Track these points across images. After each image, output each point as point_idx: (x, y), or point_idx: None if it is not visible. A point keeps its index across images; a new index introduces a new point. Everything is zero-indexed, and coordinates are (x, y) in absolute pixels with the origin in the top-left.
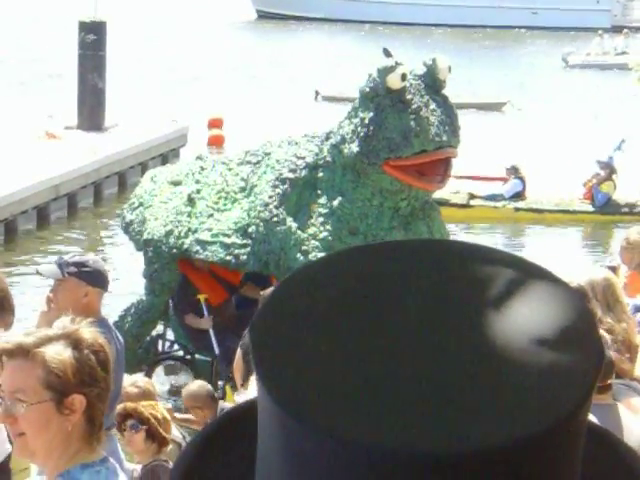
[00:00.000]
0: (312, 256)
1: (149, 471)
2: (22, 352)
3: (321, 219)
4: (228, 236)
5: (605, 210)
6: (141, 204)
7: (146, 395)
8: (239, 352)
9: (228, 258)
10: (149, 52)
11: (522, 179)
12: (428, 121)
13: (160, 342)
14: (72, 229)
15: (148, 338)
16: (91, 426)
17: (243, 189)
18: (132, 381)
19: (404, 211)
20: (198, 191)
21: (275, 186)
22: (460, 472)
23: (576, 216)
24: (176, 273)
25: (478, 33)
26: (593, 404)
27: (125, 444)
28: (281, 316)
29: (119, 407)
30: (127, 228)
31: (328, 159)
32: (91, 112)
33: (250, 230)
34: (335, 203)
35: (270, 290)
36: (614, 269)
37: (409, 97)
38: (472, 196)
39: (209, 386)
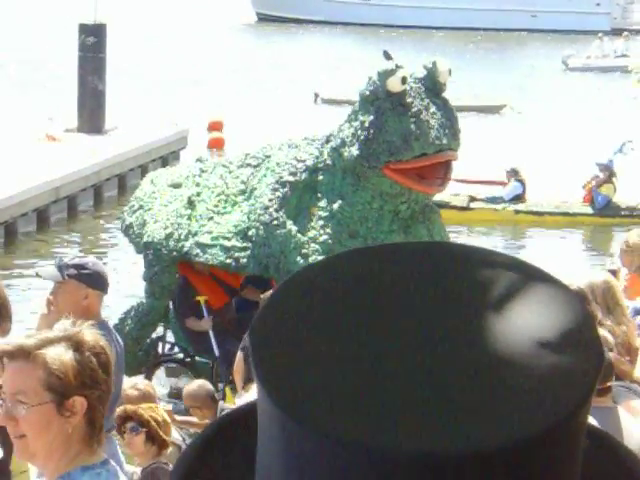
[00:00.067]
0: (312, 259)
1: (149, 474)
2: (23, 354)
3: (321, 222)
4: (228, 239)
5: (605, 213)
6: (141, 207)
7: (146, 398)
8: (239, 355)
9: (228, 261)
10: (149, 54)
11: (522, 182)
12: (428, 124)
13: (160, 344)
14: (72, 232)
15: (148, 340)
16: (92, 428)
17: (243, 192)
18: (132, 384)
19: (404, 214)
20: (198, 194)
21: (275, 189)
22: (460, 473)
23: (576, 219)
24: (176, 276)
25: (478, 36)
26: (593, 407)
27: (125, 446)
28: (281, 318)
29: (119, 409)
30: (127, 231)
31: (328, 162)
32: (91, 115)
33: (250, 233)
34: (335, 206)
35: (270, 292)
36: (615, 272)
37: (409, 100)
38: (472, 198)
39: (209, 386)
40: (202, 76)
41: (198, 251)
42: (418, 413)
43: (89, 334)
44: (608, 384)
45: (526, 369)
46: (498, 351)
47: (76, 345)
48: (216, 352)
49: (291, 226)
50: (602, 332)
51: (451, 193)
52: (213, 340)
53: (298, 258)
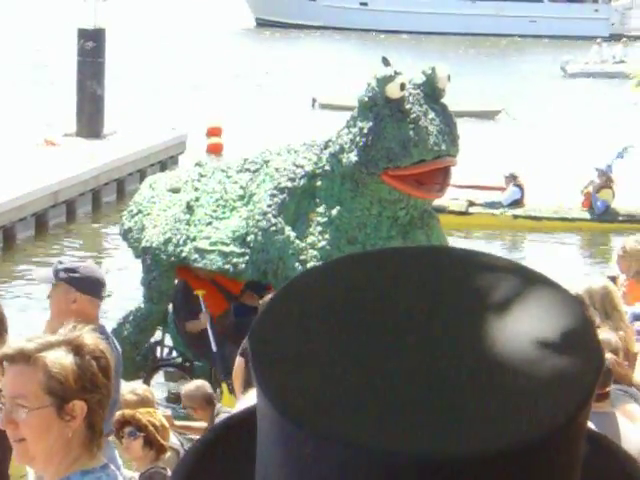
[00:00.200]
0: (310, 265)
1: (147, 478)
2: (23, 357)
3: (319, 228)
4: (226, 245)
5: (604, 218)
6: (140, 211)
7: (145, 402)
8: (239, 360)
9: (226, 267)
10: (148, 59)
11: (521, 187)
12: (427, 130)
13: (158, 349)
14: (71, 236)
15: (146, 345)
16: (91, 432)
17: (242, 197)
18: (131, 388)
19: (403, 220)
20: (197, 199)
21: (274, 195)
22: (460, 475)
23: (574, 224)
24: (174, 281)
25: (477, 41)
26: (592, 412)
27: (123, 451)
28: (280, 323)
29: (117, 414)
30: (126, 235)
31: (327, 168)
32: (90, 119)
33: (248, 239)
34: (334, 212)
35: (269, 297)
36: (614, 279)
37: (408, 106)
38: (471, 203)
39: (207, 388)
40: (201, 81)
41: (196, 256)
42: (418, 415)
43: (89, 338)
44: (607, 389)
45: (526, 372)
46: (498, 354)
47: (76, 349)
48: (214, 348)
49: (289, 232)
50: (605, 334)
51: (450, 198)
52: (211, 336)
53: (296, 264)
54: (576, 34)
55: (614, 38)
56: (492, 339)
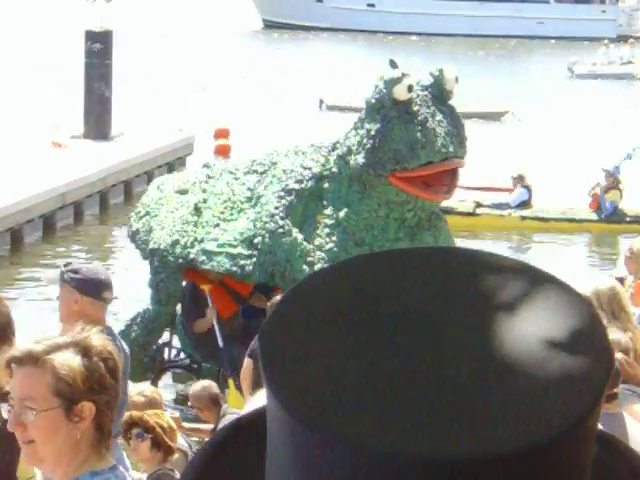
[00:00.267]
0: (318, 267)
1: None
2: (31, 359)
3: (327, 230)
4: (234, 247)
5: (611, 219)
6: (148, 213)
7: (152, 404)
8: (247, 361)
9: (234, 269)
10: (155, 61)
11: (528, 188)
12: (434, 132)
13: (166, 350)
14: (78, 238)
15: (154, 346)
16: (100, 433)
17: (249, 199)
18: (139, 390)
19: (410, 222)
20: (204, 200)
21: (281, 197)
22: (469, 477)
23: (582, 225)
24: (182, 283)
25: (485, 43)
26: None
27: (130, 453)
28: (290, 325)
29: (125, 415)
30: (133, 237)
31: (334, 170)
32: (97, 121)
33: (256, 241)
34: (341, 214)
35: (278, 298)
36: (621, 280)
37: (416, 108)
38: (478, 204)
39: (214, 388)
40: (208, 82)
41: (204, 258)
42: (428, 418)
43: (97, 339)
44: (615, 390)
45: (536, 373)
46: (506, 354)
47: (84, 350)
48: (220, 343)
49: (297, 234)
50: (615, 334)
51: (457, 199)
52: (217, 331)
53: (304, 266)
54: (583, 35)
55: (621, 39)
56: (499, 339)
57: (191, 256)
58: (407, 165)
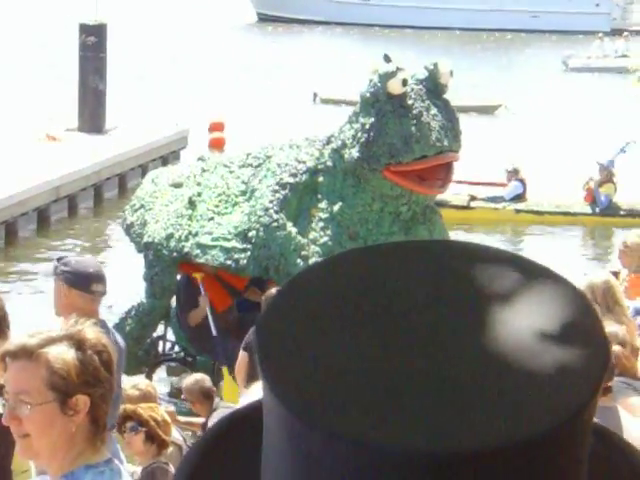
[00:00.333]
0: (312, 261)
1: (149, 473)
2: (26, 353)
3: (321, 224)
4: (228, 240)
5: (606, 212)
6: (142, 206)
7: (147, 398)
8: (242, 354)
9: (228, 262)
10: (149, 54)
11: (523, 181)
12: (429, 126)
13: (161, 343)
14: (72, 231)
15: (149, 340)
16: (95, 427)
17: (244, 192)
18: (133, 383)
19: (405, 216)
20: (199, 194)
21: (275, 191)
22: (463, 472)
23: (576, 218)
24: (177, 276)
25: (479, 36)
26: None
27: (125, 446)
28: (286, 317)
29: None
30: (128, 230)
31: (329, 164)
32: (92, 114)
33: (250, 235)
34: (335, 208)
35: (274, 291)
36: (616, 274)
37: (410, 102)
38: (472, 198)
39: (206, 382)
40: (203, 76)
41: (198, 252)
42: (423, 412)
43: (91, 332)
44: (609, 384)
45: (533, 366)
46: (501, 348)
47: (78, 343)
48: (213, 332)
49: (291, 228)
50: (612, 327)
51: (451, 192)
52: (211, 320)
53: (298, 260)
54: (578, 29)
55: (615, 33)
56: (494, 332)
57: (185, 250)
58: (402, 159)
